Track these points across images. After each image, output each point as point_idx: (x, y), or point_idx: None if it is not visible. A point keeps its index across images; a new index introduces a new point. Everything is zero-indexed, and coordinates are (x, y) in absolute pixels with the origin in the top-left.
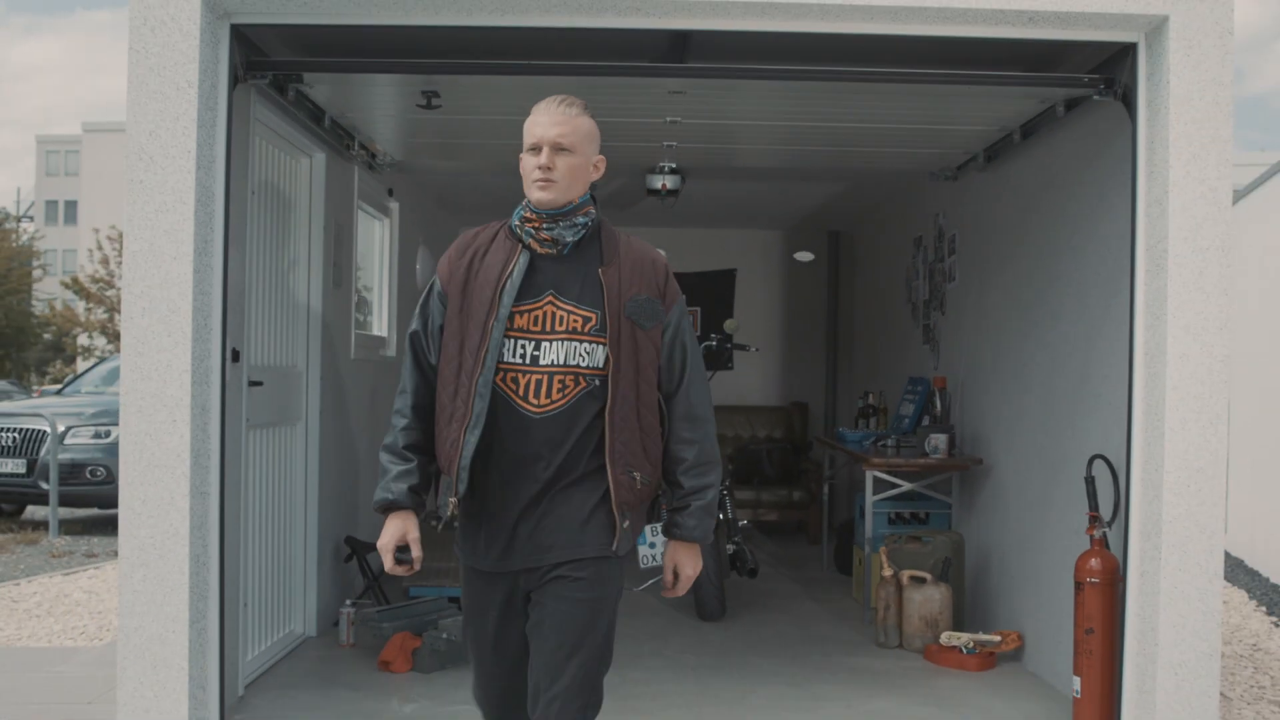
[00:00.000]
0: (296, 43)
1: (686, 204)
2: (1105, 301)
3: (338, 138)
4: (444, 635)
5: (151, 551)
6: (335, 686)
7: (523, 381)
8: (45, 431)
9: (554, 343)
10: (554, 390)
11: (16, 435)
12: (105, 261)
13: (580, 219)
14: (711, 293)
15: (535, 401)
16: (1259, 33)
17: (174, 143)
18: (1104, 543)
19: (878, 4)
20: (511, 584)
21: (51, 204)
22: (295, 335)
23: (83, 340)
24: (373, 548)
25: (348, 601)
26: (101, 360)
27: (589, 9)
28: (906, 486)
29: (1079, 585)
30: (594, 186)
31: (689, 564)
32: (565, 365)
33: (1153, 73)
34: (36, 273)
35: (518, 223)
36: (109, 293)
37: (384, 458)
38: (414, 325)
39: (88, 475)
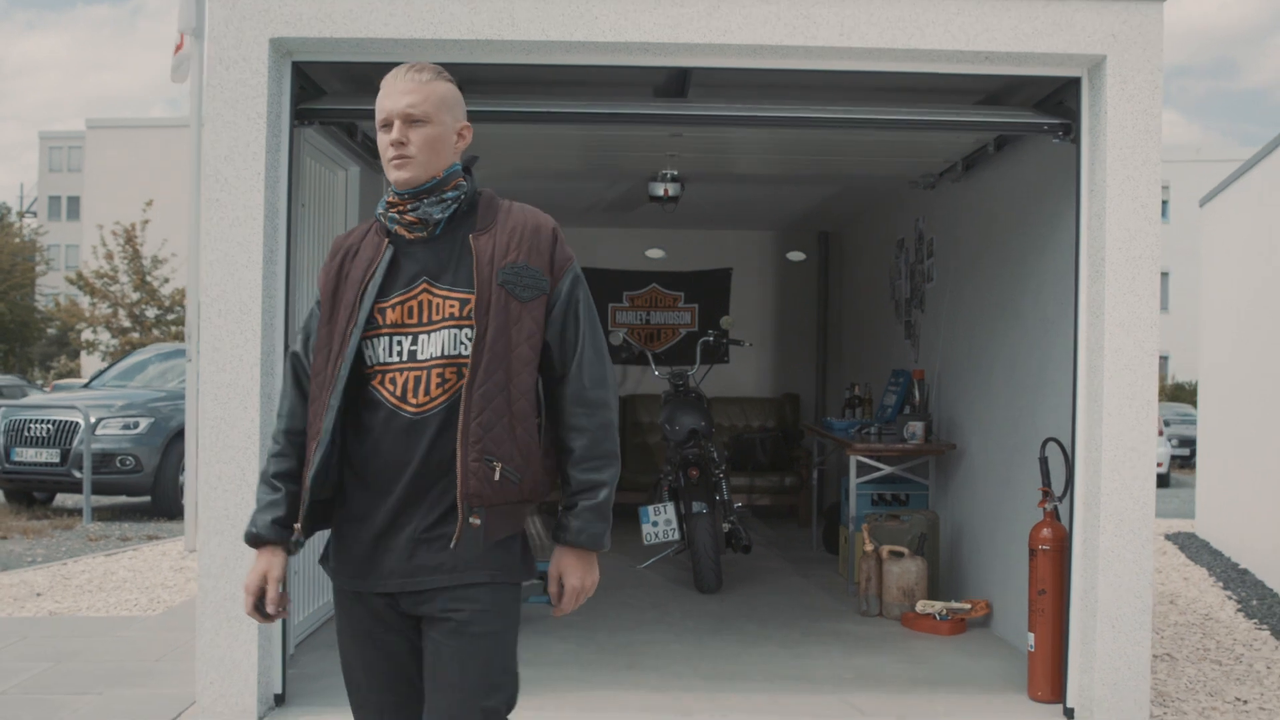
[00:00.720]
0: (343, 74)
1: (686, 206)
2: (1059, 302)
3: (367, 148)
4: None
5: (225, 521)
6: None
7: (400, 380)
8: (77, 423)
9: (433, 334)
10: (434, 386)
11: (50, 427)
12: (110, 257)
13: (450, 193)
14: (708, 290)
15: (414, 401)
16: (1256, 26)
17: (245, 166)
18: (1055, 515)
19: (854, 46)
20: (392, 605)
21: (54, 199)
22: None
23: (87, 335)
24: None
25: None
26: (124, 355)
27: (606, 50)
28: (887, 470)
29: (1032, 552)
30: (472, 161)
31: (574, 573)
32: (446, 357)
33: (1093, 103)
34: (40, 268)
35: (382, 210)
36: (113, 288)
37: (257, 487)
38: (295, 343)
39: (118, 464)
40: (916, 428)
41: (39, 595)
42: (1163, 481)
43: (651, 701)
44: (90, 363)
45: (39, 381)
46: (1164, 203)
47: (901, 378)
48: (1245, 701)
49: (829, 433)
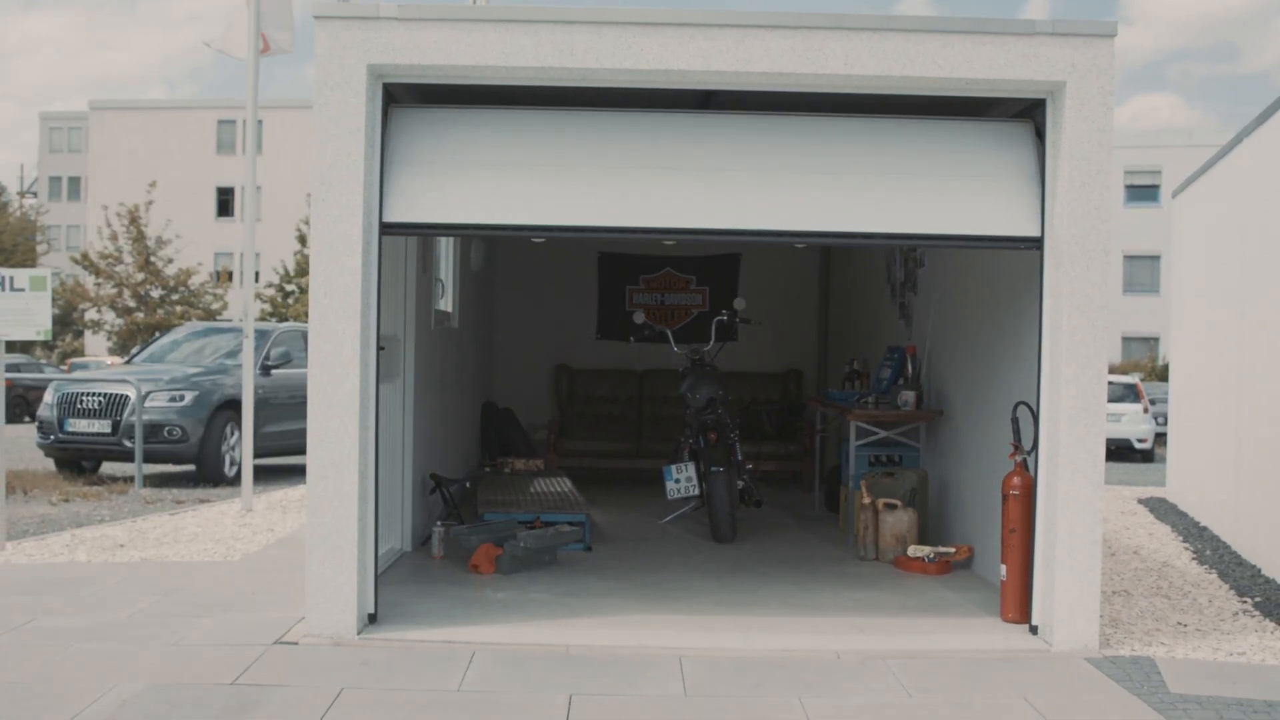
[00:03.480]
0: (416, 91)
1: None
2: (1030, 286)
3: None
4: (522, 544)
5: (330, 468)
6: (439, 583)
7: None
8: (127, 396)
9: None
10: None
11: (101, 399)
12: (115, 237)
13: None
14: (719, 274)
15: None
16: (1258, 9)
17: (347, 172)
18: (1024, 466)
19: (856, 74)
20: None
21: (55, 180)
22: (396, 310)
23: (91, 315)
24: (453, 481)
25: (438, 522)
26: (155, 334)
27: (648, 76)
28: (883, 434)
29: (1004, 497)
30: None
31: None
32: None
33: (1055, 121)
34: (41, 247)
35: None
36: (118, 268)
37: None
38: None
39: (165, 434)
40: (909, 396)
41: (122, 546)
42: (1147, 457)
43: (682, 623)
44: (95, 342)
45: (42, 360)
46: (1156, 187)
47: (896, 353)
48: (1185, 625)
49: (831, 402)
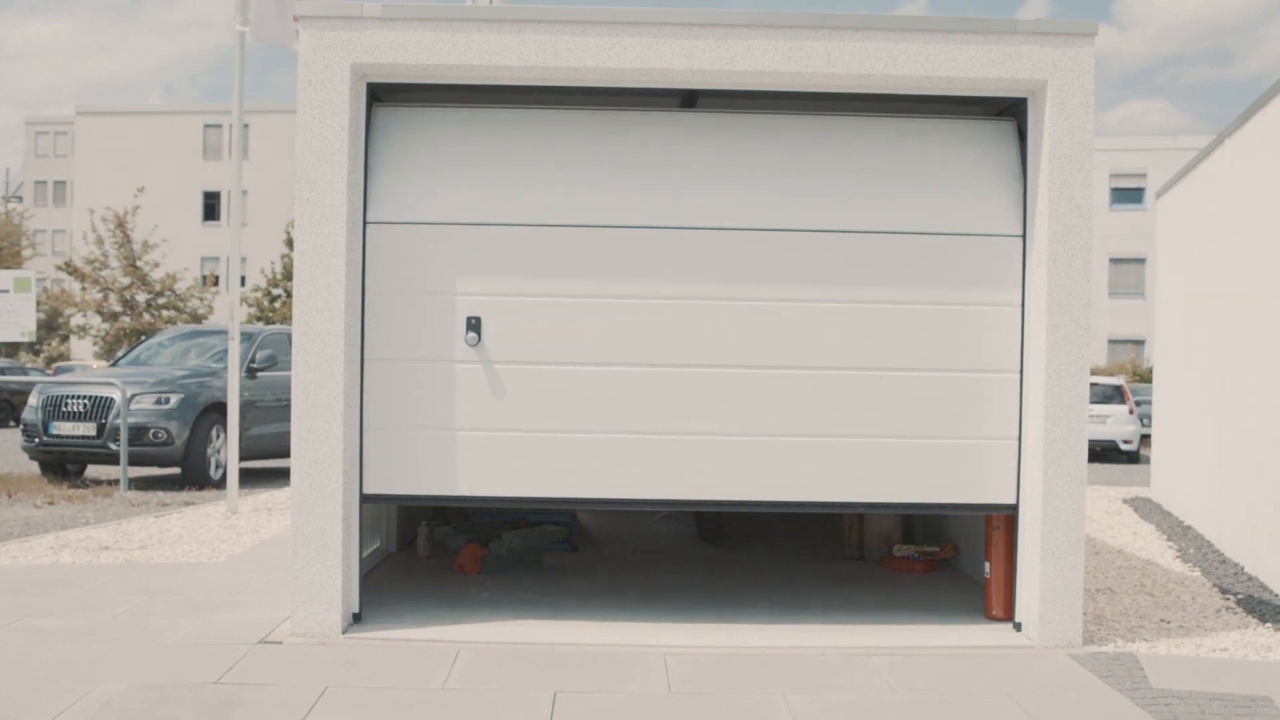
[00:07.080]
0: (402, 90)
1: None
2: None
3: None
4: (507, 544)
5: (315, 466)
6: (425, 583)
7: None
8: (112, 399)
9: None
10: None
11: (87, 402)
12: (100, 242)
13: None
14: None
15: None
16: (1250, 15)
17: (331, 171)
18: None
19: (838, 72)
20: None
21: (40, 184)
22: None
23: (77, 320)
24: None
25: (424, 522)
26: (140, 340)
27: (632, 75)
28: None
29: None
30: None
31: None
32: None
33: (1036, 119)
34: (26, 252)
35: None
36: (104, 273)
37: None
38: None
39: (151, 437)
40: None
41: (107, 548)
42: (1133, 458)
43: (667, 621)
44: (80, 347)
45: (29, 365)
46: (1141, 190)
47: None
48: (1168, 622)
49: None
